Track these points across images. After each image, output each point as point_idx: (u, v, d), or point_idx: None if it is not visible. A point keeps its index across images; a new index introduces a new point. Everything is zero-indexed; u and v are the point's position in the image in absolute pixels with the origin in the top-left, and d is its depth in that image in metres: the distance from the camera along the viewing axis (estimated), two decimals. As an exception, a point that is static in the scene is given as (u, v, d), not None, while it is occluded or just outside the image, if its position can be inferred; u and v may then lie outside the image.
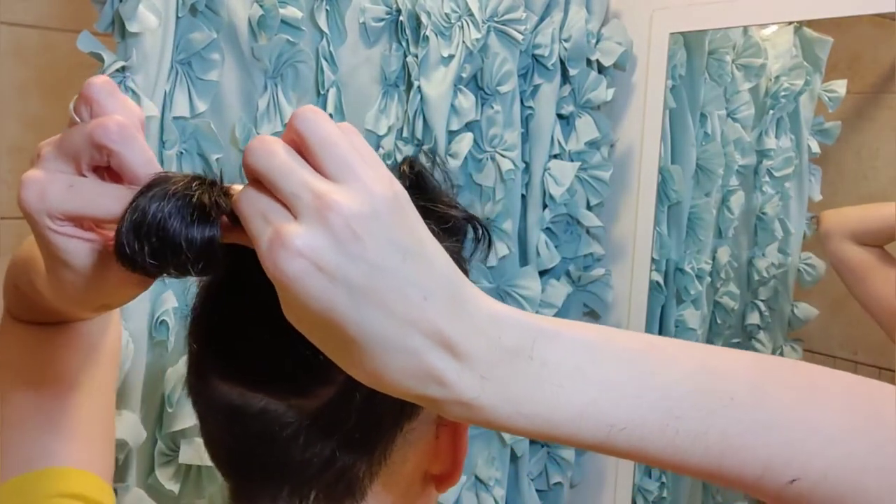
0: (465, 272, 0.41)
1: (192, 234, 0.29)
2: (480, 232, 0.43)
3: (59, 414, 0.50)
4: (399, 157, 1.01)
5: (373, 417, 0.36)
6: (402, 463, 0.38)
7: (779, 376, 0.31)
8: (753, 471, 0.29)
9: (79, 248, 0.33)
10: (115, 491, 0.77)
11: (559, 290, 1.18)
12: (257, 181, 0.30)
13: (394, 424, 0.37)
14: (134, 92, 0.75)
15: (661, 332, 1.24)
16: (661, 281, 1.21)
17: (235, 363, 0.37)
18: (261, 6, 0.84)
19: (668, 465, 0.30)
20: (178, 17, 0.79)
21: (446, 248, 0.39)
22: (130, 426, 0.77)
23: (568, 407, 0.29)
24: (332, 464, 0.36)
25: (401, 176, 0.42)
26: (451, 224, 0.41)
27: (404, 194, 0.31)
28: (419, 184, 0.42)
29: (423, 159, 0.43)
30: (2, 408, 0.51)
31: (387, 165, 0.41)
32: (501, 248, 1.10)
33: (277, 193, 0.29)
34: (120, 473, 0.79)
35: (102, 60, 0.73)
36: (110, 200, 0.32)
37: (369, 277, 0.28)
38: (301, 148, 0.30)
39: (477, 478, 1.15)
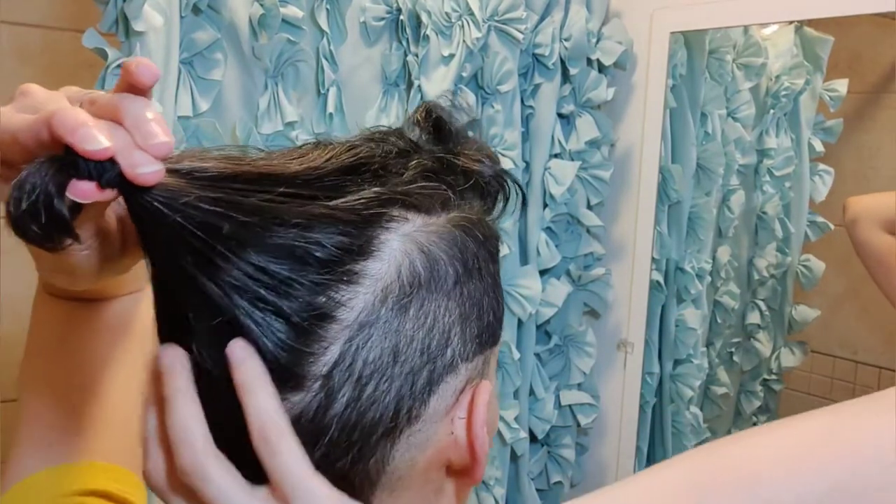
0: (492, 239, 0.38)
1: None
2: (508, 189, 0.39)
3: (84, 405, 0.48)
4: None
5: (359, 426, 0.33)
6: (410, 466, 0.35)
7: None
8: None
9: (5, 189, 0.30)
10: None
11: (559, 289, 1.18)
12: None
13: (388, 431, 0.34)
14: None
15: (661, 332, 1.24)
16: (662, 280, 1.21)
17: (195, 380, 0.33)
18: (261, 5, 0.84)
19: None
20: (181, 17, 0.80)
21: (462, 218, 0.36)
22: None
23: None
24: (321, 472, 0.33)
25: (415, 125, 0.39)
26: (474, 182, 0.37)
27: None
28: (439, 133, 0.39)
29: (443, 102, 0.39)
30: (26, 396, 0.49)
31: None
32: (502, 248, 1.10)
33: None
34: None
35: (106, 57, 0.74)
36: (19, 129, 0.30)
37: None
38: None
39: (477, 476, 1.15)
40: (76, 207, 0.29)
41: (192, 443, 0.31)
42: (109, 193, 0.30)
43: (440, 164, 0.37)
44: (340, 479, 0.34)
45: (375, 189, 0.34)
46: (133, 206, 0.31)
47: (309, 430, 0.32)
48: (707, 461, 0.33)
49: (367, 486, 0.34)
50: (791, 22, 1.13)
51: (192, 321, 0.32)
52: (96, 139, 0.28)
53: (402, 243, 0.33)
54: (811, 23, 1.13)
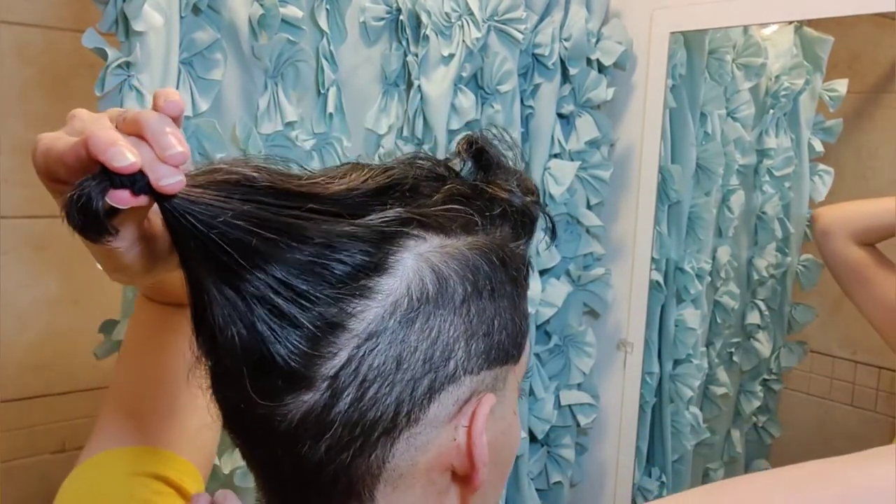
0: (515, 264, 0.40)
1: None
2: (534, 219, 0.42)
3: (164, 399, 0.53)
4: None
5: (360, 424, 0.35)
6: (411, 466, 0.37)
7: None
8: None
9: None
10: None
11: (559, 289, 1.18)
12: None
13: (388, 430, 0.36)
14: (139, 91, 0.75)
15: (661, 332, 1.24)
16: (661, 280, 1.21)
17: (222, 376, 0.37)
18: (261, 5, 0.84)
19: None
20: (181, 17, 0.80)
21: (482, 242, 0.38)
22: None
23: None
24: (324, 465, 0.36)
25: (457, 156, 0.42)
26: (503, 209, 0.40)
27: None
28: (478, 162, 0.41)
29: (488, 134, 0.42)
30: (115, 384, 0.55)
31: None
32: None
33: None
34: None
35: (106, 57, 0.74)
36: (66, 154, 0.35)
37: None
38: None
39: (477, 476, 1.15)
40: (113, 210, 0.34)
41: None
42: (144, 199, 0.34)
43: (472, 190, 0.40)
44: (343, 471, 0.36)
45: (398, 209, 0.37)
46: (164, 210, 0.34)
47: (316, 424, 0.35)
48: (706, 499, 0.36)
49: (369, 479, 0.37)
50: (791, 22, 1.13)
51: (216, 324, 0.35)
52: (124, 156, 0.33)
53: (416, 262, 0.36)
54: (811, 23, 1.13)
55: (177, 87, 0.80)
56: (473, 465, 0.37)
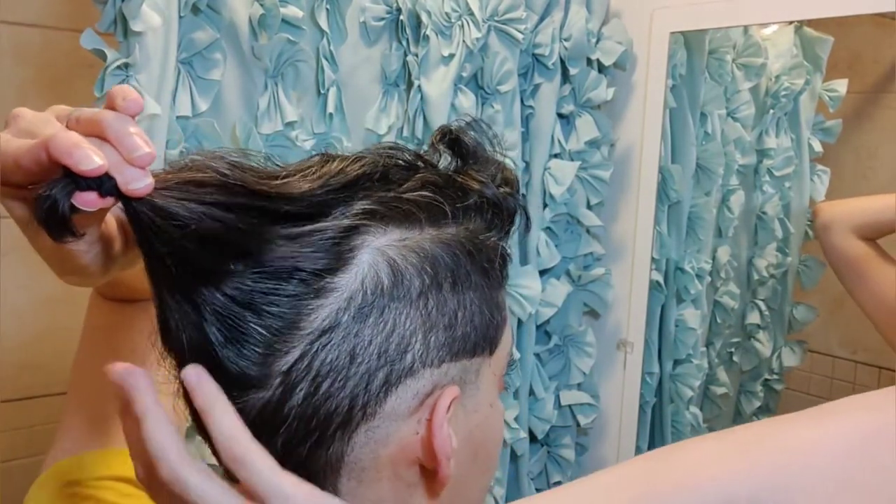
0: (484, 256, 0.39)
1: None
2: (507, 212, 0.41)
3: None
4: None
5: (315, 418, 0.36)
6: (373, 459, 0.37)
7: None
8: None
9: (15, 207, 0.36)
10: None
11: (559, 289, 1.18)
12: None
13: (344, 423, 0.36)
14: (138, 91, 0.75)
15: (661, 332, 1.24)
16: (661, 280, 1.21)
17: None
18: (261, 5, 0.84)
19: None
20: (180, 17, 0.79)
21: (447, 235, 0.37)
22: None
23: None
24: (284, 459, 0.35)
25: (432, 147, 0.41)
26: (472, 202, 0.39)
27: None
28: (457, 151, 0.41)
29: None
30: (73, 388, 0.55)
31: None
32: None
33: None
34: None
35: (105, 58, 0.74)
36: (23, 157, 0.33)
37: None
38: None
39: (477, 477, 1.15)
40: (76, 211, 0.33)
41: (167, 457, 0.33)
42: (111, 201, 0.33)
43: (445, 180, 0.39)
44: (301, 464, 0.36)
45: (363, 203, 0.36)
46: (129, 212, 0.34)
47: (271, 419, 0.36)
48: (649, 468, 0.35)
49: (330, 472, 0.37)
50: (791, 22, 1.13)
51: (172, 324, 0.35)
52: (90, 159, 0.32)
53: (372, 256, 0.36)
54: (811, 23, 1.13)
55: (176, 88, 0.80)
56: (436, 458, 0.37)
